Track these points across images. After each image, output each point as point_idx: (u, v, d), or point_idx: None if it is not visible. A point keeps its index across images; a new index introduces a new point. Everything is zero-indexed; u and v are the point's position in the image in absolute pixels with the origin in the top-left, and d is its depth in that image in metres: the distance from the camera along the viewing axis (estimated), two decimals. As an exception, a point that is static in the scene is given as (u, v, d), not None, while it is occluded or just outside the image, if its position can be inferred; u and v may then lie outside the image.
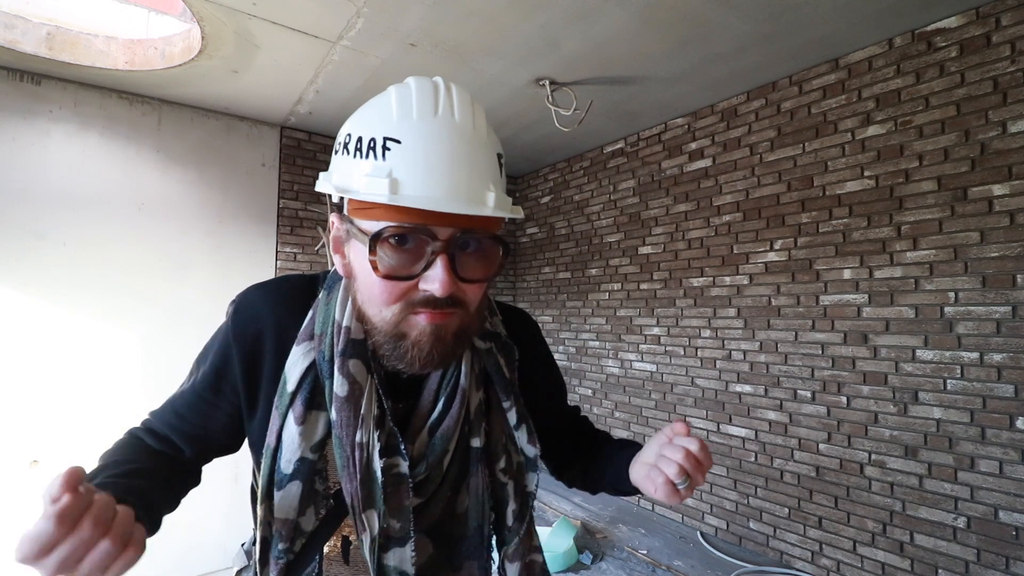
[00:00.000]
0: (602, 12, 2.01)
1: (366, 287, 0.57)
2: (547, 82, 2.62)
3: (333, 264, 0.66)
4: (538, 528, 3.04)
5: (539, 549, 0.74)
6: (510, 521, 0.69)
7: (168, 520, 0.66)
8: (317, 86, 2.72)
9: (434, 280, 0.53)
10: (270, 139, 3.30)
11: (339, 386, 0.59)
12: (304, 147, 3.42)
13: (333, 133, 3.44)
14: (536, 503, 3.35)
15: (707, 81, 2.63)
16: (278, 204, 3.31)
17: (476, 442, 0.66)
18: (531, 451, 0.70)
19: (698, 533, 2.88)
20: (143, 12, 2.68)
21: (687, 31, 2.15)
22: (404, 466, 0.61)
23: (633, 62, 2.42)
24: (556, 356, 3.22)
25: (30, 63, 2.46)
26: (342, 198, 0.58)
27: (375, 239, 0.52)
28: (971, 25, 1.99)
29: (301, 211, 3.37)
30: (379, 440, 0.60)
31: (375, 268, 0.53)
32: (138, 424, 0.73)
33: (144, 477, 0.62)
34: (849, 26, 2.11)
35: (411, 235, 0.53)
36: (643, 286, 3.33)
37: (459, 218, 0.53)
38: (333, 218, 0.61)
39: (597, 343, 3.67)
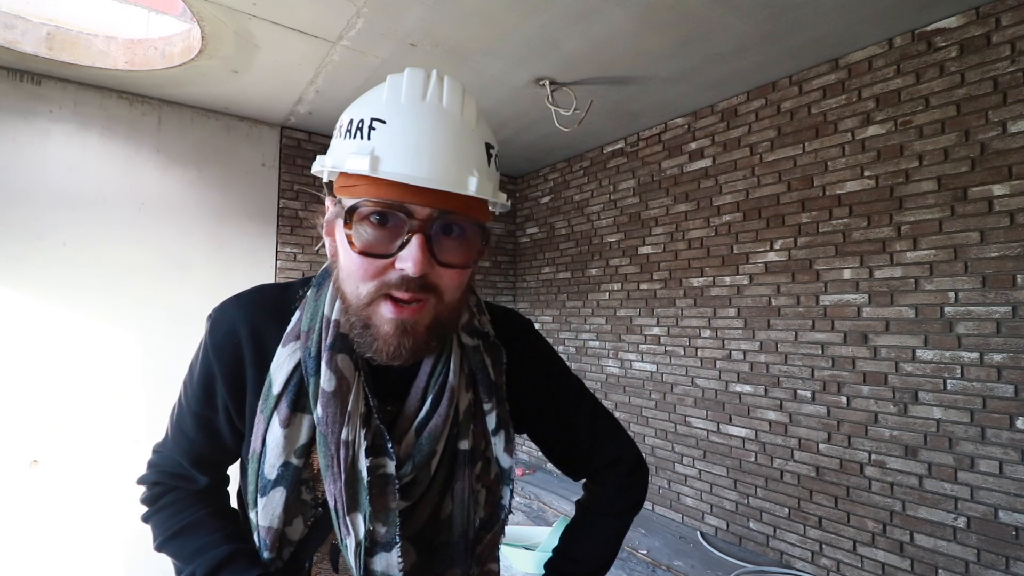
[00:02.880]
0: (602, 12, 2.01)
1: (345, 265, 0.57)
2: (547, 82, 2.62)
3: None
4: (538, 528, 3.00)
5: (498, 559, 0.74)
6: (477, 527, 0.67)
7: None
8: (317, 86, 2.72)
9: (408, 259, 0.52)
10: (270, 139, 3.30)
11: (326, 381, 0.58)
12: (304, 147, 3.42)
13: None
14: (536, 503, 3.35)
15: (707, 81, 2.63)
16: (278, 204, 3.31)
17: (464, 444, 0.64)
18: (506, 461, 0.68)
19: (698, 533, 2.88)
20: (143, 12, 2.68)
21: (687, 31, 2.15)
22: (391, 466, 0.59)
23: (633, 62, 2.42)
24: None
25: (30, 63, 2.46)
26: (331, 181, 0.60)
27: (350, 212, 0.53)
28: (971, 25, 1.99)
29: (301, 211, 3.38)
30: (365, 439, 0.58)
31: (350, 243, 0.54)
32: (146, 468, 0.71)
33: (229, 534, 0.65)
34: (849, 26, 2.11)
35: (390, 213, 0.53)
36: (643, 286, 3.33)
37: (439, 199, 0.53)
38: (327, 201, 0.61)
39: (597, 343, 3.67)
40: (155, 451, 0.71)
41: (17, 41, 2.33)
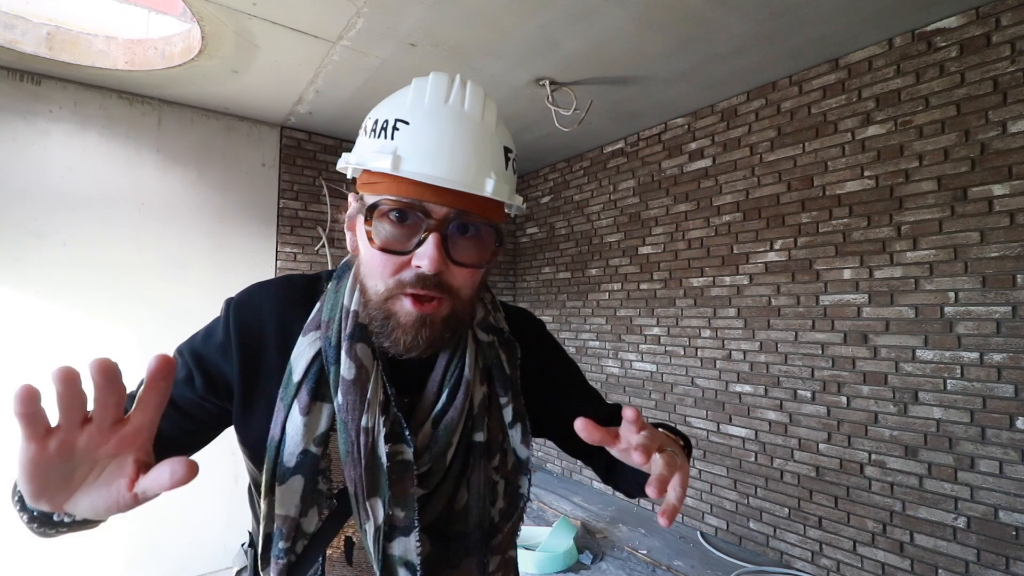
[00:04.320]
0: (602, 12, 2.01)
1: (366, 260, 0.60)
2: (547, 82, 2.62)
3: (333, 262, 0.68)
4: (538, 528, 3.00)
5: (516, 547, 0.76)
6: (496, 518, 0.69)
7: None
8: (317, 86, 2.72)
9: (424, 257, 0.55)
10: (270, 139, 3.30)
11: (346, 369, 0.60)
12: (304, 147, 3.42)
13: (333, 133, 3.44)
14: (536, 503, 3.36)
15: (707, 81, 2.63)
16: (278, 204, 3.31)
17: (479, 437, 0.66)
18: (523, 452, 0.70)
19: (698, 533, 2.88)
20: (143, 12, 2.68)
21: (687, 31, 2.15)
22: (409, 453, 0.61)
23: (633, 62, 2.42)
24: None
25: (30, 63, 2.46)
26: (355, 178, 0.63)
27: (371, 209, 0.56)
28: (971, 25, 1.99)
29: (301, 211, 3.37)
30: (384, 425, 0.60)
31: (370, 239, 0.57)
32: None
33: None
34: (849, 26, 2.11)
35: (408, 211, 0.56)
36: (643, 286, 3.33)
37: (456, 199, 0.55)
38: (350, 197, 0.64)
39: (597, 343, 3.67)
40: None
41: (17, 41, 2.33)
